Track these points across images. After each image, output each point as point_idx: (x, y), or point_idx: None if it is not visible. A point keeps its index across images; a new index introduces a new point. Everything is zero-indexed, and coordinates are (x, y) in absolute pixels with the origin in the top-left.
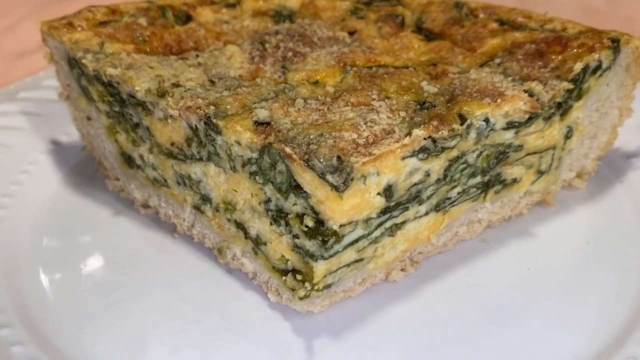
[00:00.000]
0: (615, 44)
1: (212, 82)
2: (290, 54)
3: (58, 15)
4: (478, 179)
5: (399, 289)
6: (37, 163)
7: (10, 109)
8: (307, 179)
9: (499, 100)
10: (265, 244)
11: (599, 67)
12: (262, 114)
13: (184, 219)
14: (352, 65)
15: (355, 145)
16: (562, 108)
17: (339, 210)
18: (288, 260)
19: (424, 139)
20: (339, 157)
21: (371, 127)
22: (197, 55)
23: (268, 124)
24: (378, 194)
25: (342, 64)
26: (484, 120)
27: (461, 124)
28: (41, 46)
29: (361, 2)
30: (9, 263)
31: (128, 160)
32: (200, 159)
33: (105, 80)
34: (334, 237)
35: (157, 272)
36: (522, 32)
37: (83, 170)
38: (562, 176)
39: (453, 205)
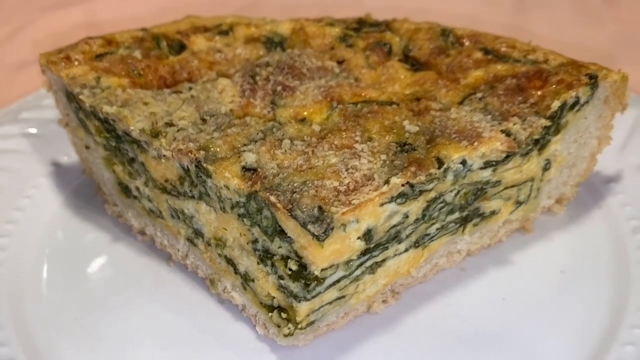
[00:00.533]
0: (593, 80)
1: (204, 120)
2: (279, 87)
3: (57, 22)
4: (456, 215)
5: (381, 320)
6: (38, 186)
7: (12, 131)
8: (290, 226)
9: (475, 143)
10: (253, 280)
11: (576, 102)
12: (249, 158)
13: (179, 249)
14: (338, 100)
15: (336, 193)
16: (539, 143)
17: (321, 256)
18: (274, 297)
19: (402, 185)
20: (320, 207)
21: (352, 173)
22: (190, 88)
23: (255, 170)
24: (358, 238)
25: (329, 99)
26: (460, 163)
27: (439, 168)
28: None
29: (350, 28)
30: (13, 289)
31: (125, 189)
32: (192, 197)
33: (102, 116)
34: (315, 280)
35: (152, 300)
36: (504, 63)
37: (83, 193)
38: (541, 204)
39: (432, 240)
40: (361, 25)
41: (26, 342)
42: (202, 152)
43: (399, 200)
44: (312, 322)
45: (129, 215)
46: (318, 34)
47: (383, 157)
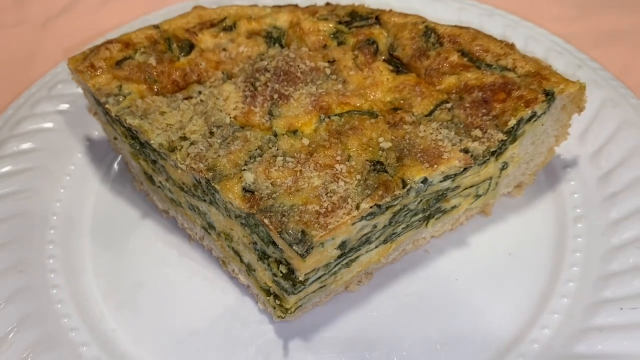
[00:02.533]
0: (550, 97)
1: (212, 133)
2: (276, 95)
3: None
4: (420, 216)
5: (356, 297)
6: (76, 164)
7: (47, 109)
8: (280, 242)
9: (435, 166)
10: (254, 270)
11: (533, 115)
12: (248, 178)
13: (196, 233)
14: (326, 110)
15: (317, 216)
16: (497, 153)
17: (304, 266)
18: (270, 286)
19: (370, 207)
20: (303, 231)
21: (330, 197)
22: (200, 92)
23: (253, 192)
24: (335, 249)
25: (318, 109)
26: (422, 182)
27: (403, 188)
28: (66, 8)
29: (343, 22)
30: (67, 264)
31: (150, 178)
32: (204, 200)
33: (126, 125)
34: (300, 282)
35: (177, 273)
36: (476, 70)
37: (115, 169)
38: (500, 193)
39: (399, 236)
40: (353, 17)
41: (83, 312)
42: (210, 173)
43: (368, 218)
44: (299, 306)
45: (154, 197)
46: (313, 30)
47: (358, 176)
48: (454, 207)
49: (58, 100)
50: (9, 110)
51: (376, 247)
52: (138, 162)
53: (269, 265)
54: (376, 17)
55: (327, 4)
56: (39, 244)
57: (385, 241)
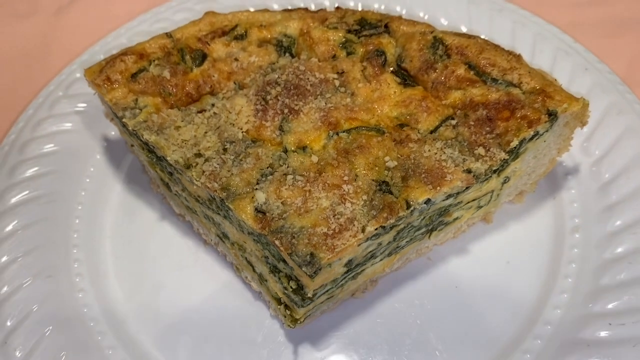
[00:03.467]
0: (553, 117)
1: (225, 150)
2: (286, 110)
3: None
4: (423, 230)
5: (362, 303)
6: (95, 165)
7: (66, 109)
8: (290, 261)
9: (438, 188)
10: (266, 280)
11: (536, 134)
12: (260, 198)
13: (211, 239)
14: (335, 125)
15: (324, 238)
16: (498, 170)
17: (312, 284)
18: (281, 297)
19: (375, 229)
20: (312, 254)
21: (338, 219)
22: (213, 105)
23: (264, 213)
24: (342, 267)
25: (327, 124)
26: (425, 203)
27: (407, 209)
28: None
29: (352, 30)
30: (93, 270)
31: (166, 185)
32: (219, 214)
33: (143, 140)
34: (309, 298)
35: (192, 275)
36: (482, 85)
37: (132, 169)
38: (501, 202)
39: (402, 249)
40: (362, 26)
41: (108, 315)
42: (224, 193)
43: (373, 238)
44: (308, 316)
45: (171, 202)
46: (322, 39)
47: (364, 197)
48: (456, 219)
49: (75, 99)
50: (29, 110)
51: (381, 260)
52: (155, 170)
53: (279, 279)
54: (385, 25)
55: (337, 7)
56: (64, 248)
57: (389, 254)
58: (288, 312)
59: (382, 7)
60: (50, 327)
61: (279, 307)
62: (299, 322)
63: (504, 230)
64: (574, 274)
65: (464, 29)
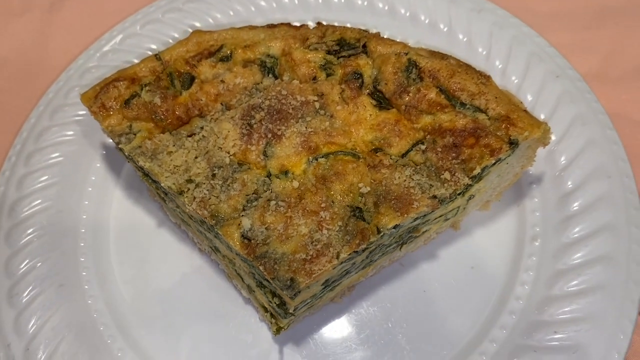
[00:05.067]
0: (514, 145)
1: (214, 175)
2: (270, 135)
3: None
4: (394, 245)
5: (339, 307)
6: (96, 173)
7: (66, 119)
8: (274, 283)
9: (405, 215)
10: (254, 291)
11: (498, 160)
12: (246, 225)
13: (204, 248)
14: (314, 150)
15: (303, 263)
16: (463, 192)
17: (293, 303)
18: (267, 307)
19: (348, 254)
20: (292, 279)
21: (315, 245)
22: (202, 128)
23: (250, 239)
24: (319, 285)
25: (307, 149)
26: (393, 228)
27: (377, 233)
28: None
29: (332, 51)
30: (101, 277)
31: (162, 198)
32: (210, 232)
33: (138, 164)
34: (291, 313)
35: (187, 281)
36: (450, 113)
37: (131, 177)
38: (468, 212)
39: (375, 262)
40: (341, 45)
41: (116, 319)
42: (213, 220)
43: (347, 261)
44: (292, 321)
45: (167, 212)
46: (303, 61)
47: (339, 223)
48: (424, 232)
49: (74, 108)
50: (31, 118)
51: (356, 273)
52: (150, 186)
53: (265, 293)
54: (363, 45)
55: (319, 23)
56: (73, 257)
57: (364, 267)
58: (274, 321)
59: (365, 2)
60: (66, 333)
61: (265, 314)
62: (283, 329)
63: (470, 237)
64: (530, 282)
65: (443, 28)
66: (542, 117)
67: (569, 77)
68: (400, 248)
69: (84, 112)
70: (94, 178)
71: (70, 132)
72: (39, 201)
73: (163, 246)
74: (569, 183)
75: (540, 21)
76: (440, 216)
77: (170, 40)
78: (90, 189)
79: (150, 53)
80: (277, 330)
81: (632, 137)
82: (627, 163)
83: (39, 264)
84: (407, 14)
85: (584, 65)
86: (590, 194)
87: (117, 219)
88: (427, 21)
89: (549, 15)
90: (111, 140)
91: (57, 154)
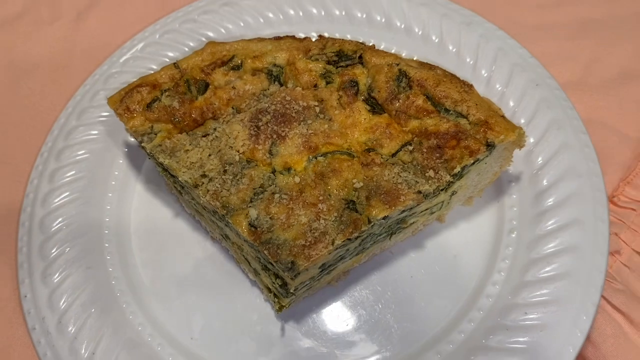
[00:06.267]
0: (491, 147)
1: (225, 171)
2: (275, 135)
3: None
4: (384, 235)
5: (335, 290)
6: (119, 169)
7: (91, 119)
8: (276, 267)
9: (393, 207)
10: (259, 274)
11: (477, 160)
12: (253, 215)
13: (216, 236)
14: (314, 149)
15: (302, 248)
16: (445, 188)
17: (293, 283)
18: (271, 287)
19: (342, 242)
20: (292, 262)
21: (314, 233)
22: (215, 129)
23: (256, 227)
24: (317, 268)
25: (307, 149)
26: (383, 219)
27: (368, 223)
28: (92, 2)
29: (331, 62)
30: (123, 261)
31: (179, 191)
32: (221, 221)
33: (158, 161)
34: (291, 293)
35: (200, 265)
36: (435, 118)
37: (151, 172)
38: (452, 207)
39: (368, 249)
40: (340, 57)
41: (136, 298)
42: (224, 210)
43: (341, 247)
44: (292, 302)
45: (183, 203)
46: (305, 70)
47: (335, 214)
48: (412, 224)
49: (98, 109)
50: (60, 118)
51: (350, 259)
52: (168, 180)
53: (269, 275)
54: (359, 57)
55: (320, 36)
56: (98, 243)
57: (357, 254)
58: (276, 300)
59: (364, 15)
60: (93, 309)
61: (269, 294)
62: (285, 307)
63: (454, 229)
64: (505, 269)
65: (435, 39)
66: (522, 121)
67: (547, 85)
68: (390, 238)
69: (107, 114)
70: (117, 173)
71: (96, 132)
72: (68, 193)
73: (179, 234)
74: (544, 181)
75: (525, 32)
76: (426, 209)
77: (186, 49)
78: (113, 182)
79: (168, 60)
80: (280, 308)
81: (604, 141)
82: (597, 164)
83: (68, 249)
84: (402, 27)
85: (565, 73)
86: (562, 192)
87: (137, 210)
88: (420, 33)
89: (534, 27)
90: (133, 139)
91: (83, 151)
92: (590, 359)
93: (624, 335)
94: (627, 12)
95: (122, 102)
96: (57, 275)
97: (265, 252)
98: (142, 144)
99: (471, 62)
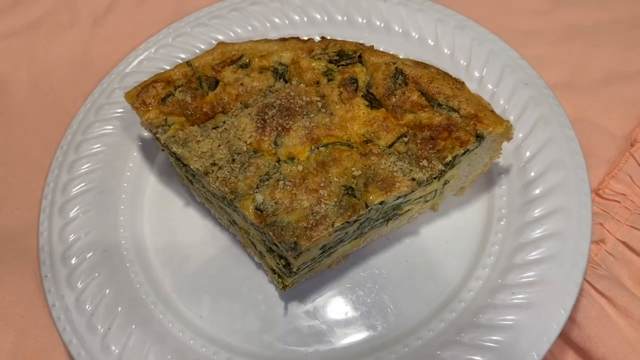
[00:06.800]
0: (480, 138)
1: (233, 160)
2: (280, 128)
3: None
4: (381, 220)
5: (335, 273)
6: (134, 161)
7: (108, 115)
8: (280, 247)
9: (389, 193)
10: (264, 256)
11: (467, 150)
12: (259, 199)
13: (224, 222)
14: (316, 141)
15: (304, 230)
16: (438, 177)
17: (296, 262)
18: (275, 268)
19: (341, 224)
20: (295, 242)
21: (315, 216)
22: (224, 122)
23: (262, 211)
24: (318, 249)
25: (310, 140)
26: (379, 204)
27: (366, 208)
28: (109, 8)
29: (332, 61)
30: (136, 245)
31: (190, 180)
32: (229, 207)
33: (171, 151)
34: (294, 272)
35: (210, 250)
36: (428, 112)
37: (163, 164)
38: (445, 196)
39: (366, 233)
40: (341, 56)
41: (149, 279)
42: (233, 195)
43: (341, 229)
44: (295, 282)
45: (193, 192)
46: (309, 68)
47: (335, 199)
48: (407, 211)
49: (114, 106)
50: (79, 114)
51: (349, 242)
52: (181, 170)
53: (273, 257)
54: (359, 56)
55: (323, 38)
56: (114, 229)
57: (356, 238)
58: (280, 280)
59: (364, 20)
60: (108, 289)
61: (274, 275)
62: (288, 287)
63: (447, 217)
64: (495, 254)
65: (431, 43)
66: (511, 118)
67: (536, 85)
68: (387, 224)
69: (122, 110)
70: (131, 165)
71: (111, 127)
72: (85, 183)
73: (189, 221)
74: (532, 173)
75: (517, 37)
76: (420, 197)
77: (197, 51)
78: (128, 173)
79: (180, 61)
80: (283, 288)
81: (591, 138)
82: (581, 157)
83: (84, 235)
84: (400, 31)
85: (555, 76)
86: (548, 182)
87: (150, 199)
88: (417, 37)
89: (525, 33)
90: (146, 134)
91: (100, 144)
92: (576, 340)
93: (607, 318)
94: (613, 19)
95: (138, 96)
96: (75, 257)
97: (270, 233)
98: (157, 135)
99: (464, 64)
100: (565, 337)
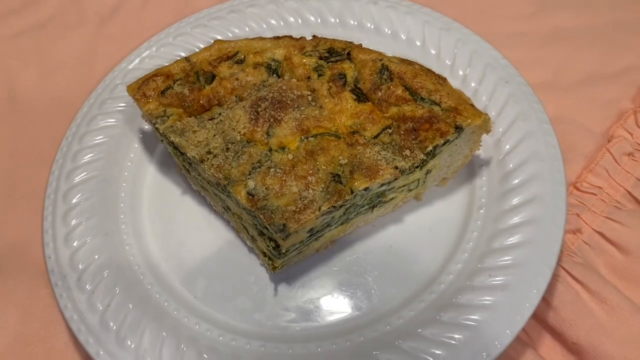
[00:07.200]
0: (459, 129)
1: (228, 149)
2: (272, 119)
3: None
4: (366, 207)
5: (323, 257)
6: (134, 152)
7: (110, 108)
8: (270, 229)
9: (373, 179)
10: (256, 240)
11: (447, 141)
12: (251, 185)
13: (219, 209)
14: (306, 132)
15: (293, 213)
16: (420, 166)
17: (285, 244)
18: (266, 251)
19: (328, 208)
20: (284, 224)
21: (303, 201)
22: (220, 114)
23: (253, 195)
24: (305, 232)
25: (300, 131)
26: (364, 190)
27: (351, 194)
28: (114, 9)
29: (323, 57)
30: (136, 230)
31: (187, 169)
32: (223, 193)
33: (170, 140)
34: (283, 254)
35: (205, 235)
36: (411, 105)
37: (163, 155)
38: (428, 186)
39: (352, 219)
40: (330, 53)
41: (147, 262)
42: (226, 181)
43: (327, 214)
44: (285, 264)
45: (190, 181)
46: (300, 64)
47: (322, 185)
48: (392, 199)
49: (117, 101)
50: (83, 108)
51: (336, 227)
52: (178, 159)
53: (264, 239)
54: (348, 53)
55: (314, 36)
56: (114, 215)
57: (342, 223)
58: (270, 262)
59: (355, 22)
60: (107, 271)
61: (264, 258)
62: (278, 268)
63: (430, 206)
64: (474, 240)
65: (418, 43)
66: (492, 113)
67: (516, 83)
68: (372, 211)
69: (124, 104)
70: (132, 155)
71: (114, 120)
72: (88, 171)
73: (186, 209)
74: (510, 165)
75: (501, 40)
76: (404, 186)
77: (196, 49)
78: (129, 164)
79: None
80: (273, 269)
81: (571, 135)
82: (558, 150)
83: (86, 220)
84: (389, 32)
85: (537, 76)
86: (526, 173)
87: (149, 188)
88: (405, 38)
89: (510, 35)
90: (147, 127)
91: (102, 136)
92: (552, 323)
93: (581, 302)
94: (594, 23)
95: (139, 89)
96: (77, 240)
97: (261, 216)
98: (156, 126)
99: (449, 63)
100: (541, 321)
